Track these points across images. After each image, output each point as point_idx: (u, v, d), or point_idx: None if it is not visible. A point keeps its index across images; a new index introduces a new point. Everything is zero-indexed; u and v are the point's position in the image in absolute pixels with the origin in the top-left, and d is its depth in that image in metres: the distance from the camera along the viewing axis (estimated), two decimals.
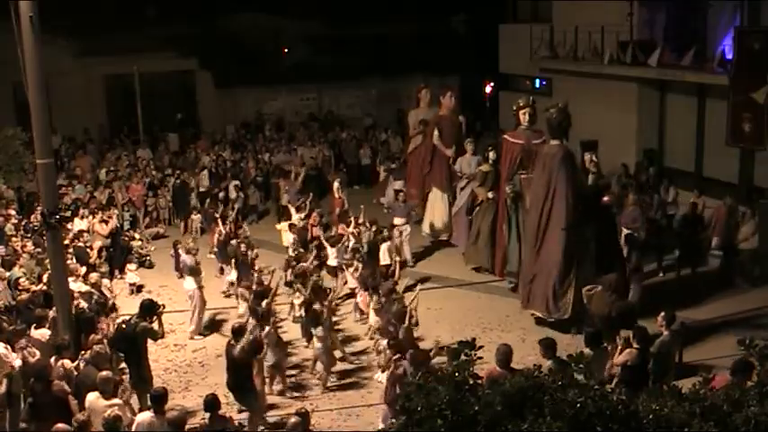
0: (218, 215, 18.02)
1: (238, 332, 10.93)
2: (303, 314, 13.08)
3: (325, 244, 15.99)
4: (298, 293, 13.95)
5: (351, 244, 15.69)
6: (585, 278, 13.17)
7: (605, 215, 14.02)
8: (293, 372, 12.62)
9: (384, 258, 15.76)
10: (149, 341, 11.28)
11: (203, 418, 9.44)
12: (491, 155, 16.80)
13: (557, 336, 12.16)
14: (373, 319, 13.22)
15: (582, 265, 13.47)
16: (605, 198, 13.86)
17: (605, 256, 13.42)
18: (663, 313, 10.88)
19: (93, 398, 9.22)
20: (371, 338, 13.30)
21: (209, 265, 16.62)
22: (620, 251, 14.22)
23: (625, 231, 15.43)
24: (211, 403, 9.08)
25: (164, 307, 11.83)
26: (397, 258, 16.48)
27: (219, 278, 16.51)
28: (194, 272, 14.47)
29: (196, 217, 20.34)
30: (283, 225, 17.70)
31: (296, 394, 11.94)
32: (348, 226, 16.33)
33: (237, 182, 21.88)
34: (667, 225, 16.96)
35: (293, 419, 8.68)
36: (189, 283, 14.44)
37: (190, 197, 21.47)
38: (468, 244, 17.24)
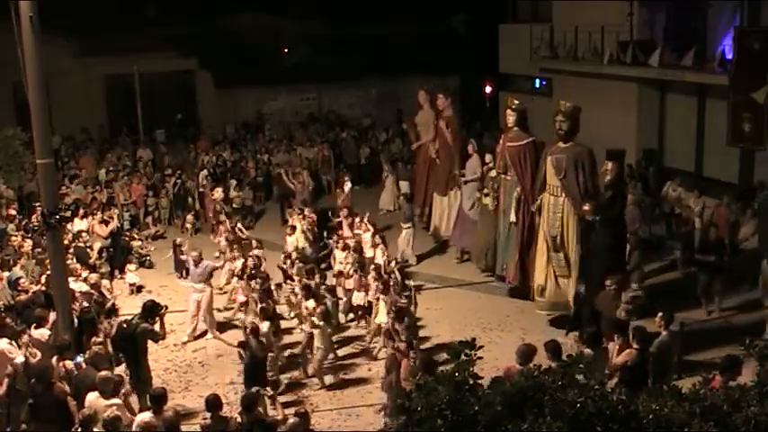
0: (220, 216, 18.06)
1: (254, 332, 11.06)
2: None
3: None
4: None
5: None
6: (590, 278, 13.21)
7: (616, 222, 13.99)
8: (292, 371, 12.65)
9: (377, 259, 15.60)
10: (150, 341, 11.29)
11: (205, 418, 9.44)
12: (487, 158, 16.93)
13: (559, 335, 12.23)
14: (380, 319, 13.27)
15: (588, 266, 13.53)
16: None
17: (612, 258, 13.47)
18: (661, 313, 10.88)
19: (92, 398, 9.22)
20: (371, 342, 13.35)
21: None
22: (623, 251, 14.26)
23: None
24: (213, 403, 9.09)
25: (166, 308, 11.81)
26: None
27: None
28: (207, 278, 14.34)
29: (190, 217, 20.32)
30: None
31: (296, 394, 11.96)
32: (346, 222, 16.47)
33: (236, 181, 21.90)
34: (668, 224, 16.95)
35: (293, 419, 8.69)
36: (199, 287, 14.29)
37: (189, 197, 21.51)
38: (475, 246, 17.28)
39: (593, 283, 13.07)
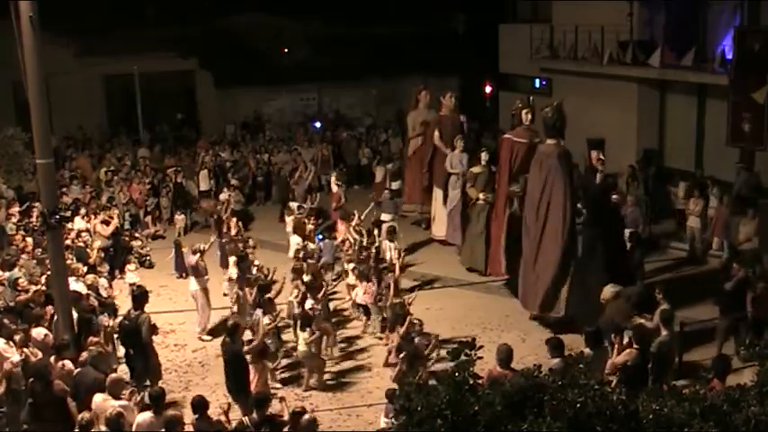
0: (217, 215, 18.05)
1: (233, 330, 10.93)
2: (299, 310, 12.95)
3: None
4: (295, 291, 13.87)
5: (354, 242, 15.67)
6: (590, 278, 13.19)
7: (613, 214, 14.02)
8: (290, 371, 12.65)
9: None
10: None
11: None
12: (483, 156, 16.82)
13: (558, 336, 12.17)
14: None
15: (585, 265, 13.49)
16: (614, 197, 13.83)
17: (614, 256, 13.46)
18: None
19: (100, 399, 9.20)
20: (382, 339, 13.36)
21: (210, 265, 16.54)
22: (625, 251, 14.26)
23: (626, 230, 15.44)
24: (199, 404, 9.07)
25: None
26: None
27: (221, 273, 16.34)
28: (198, 273, 14.32)
29: (180, 217, 20.28)
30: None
31: (296, 393, 11.96)
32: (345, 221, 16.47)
33: (236, 181, 21.84)
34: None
35: (306, 416, 8.75)
36: (192, 284, 14.29)
37: (189, 197, 21.49)
38: (463, 245, 17.26)
39: (584, 283, 13.15)
